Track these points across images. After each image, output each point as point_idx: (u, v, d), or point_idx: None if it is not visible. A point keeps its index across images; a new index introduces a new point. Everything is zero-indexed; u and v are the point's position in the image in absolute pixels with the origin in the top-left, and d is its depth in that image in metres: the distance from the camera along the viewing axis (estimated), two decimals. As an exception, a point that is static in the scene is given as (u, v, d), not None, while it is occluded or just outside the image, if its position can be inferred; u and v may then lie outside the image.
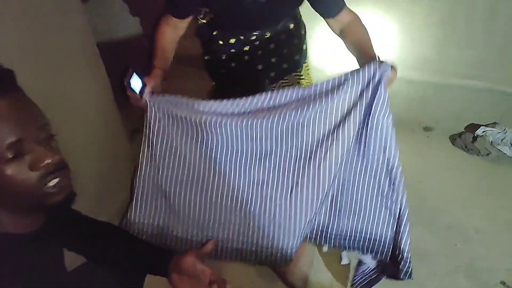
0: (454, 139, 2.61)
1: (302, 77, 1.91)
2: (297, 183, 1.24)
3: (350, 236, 1.35)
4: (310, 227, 1.31)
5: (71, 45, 1.33)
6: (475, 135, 2.50)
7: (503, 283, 1.74)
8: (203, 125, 1.23)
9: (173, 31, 1.49)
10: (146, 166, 1.34)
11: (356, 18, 1.50)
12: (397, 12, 2.45)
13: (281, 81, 1.88)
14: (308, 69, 1.95)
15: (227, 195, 1.28)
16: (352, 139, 1.23)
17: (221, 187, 1.29)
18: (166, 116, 1.28)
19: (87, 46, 1.42)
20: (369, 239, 1.35)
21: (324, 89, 1.21)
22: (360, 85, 1.21)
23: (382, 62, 1.26)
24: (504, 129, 2.47)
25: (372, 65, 1.21)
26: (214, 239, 1.23)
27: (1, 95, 0.70)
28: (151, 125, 1.29)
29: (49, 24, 1.21)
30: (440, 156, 2.53)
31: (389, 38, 2.57)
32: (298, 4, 1.54)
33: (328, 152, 1.21)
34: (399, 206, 1.31)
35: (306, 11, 1.55)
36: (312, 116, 1.21)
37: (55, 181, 0.75)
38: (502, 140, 2.44)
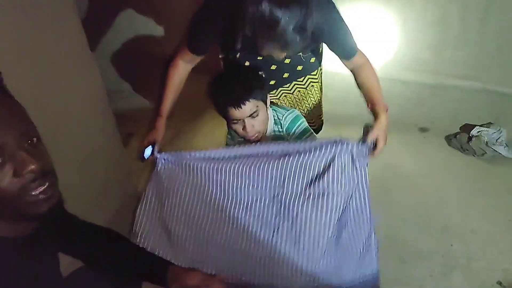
0: (449, 139, 2.62)
1: (316, 80, 1.93)
2: (278, 228, 1.40)
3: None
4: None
5: (64, 48, 1.32)
6: (470, 135, 2.51)
7: (499, 283, 1.74)
8: (201, 171, 1.46)
9: (186, 67, 1.65)
10: (150, 201, 1.52)
11: (367, 61, 1.66)
12: (392, 14, 2.46)
13: (295, 82, 1.90)
14: (321, 74, 1.96)
15: (218, 235, 1.44)
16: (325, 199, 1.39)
17: (212, 228, 1.45)
18: (172, 164, 1.51)
19: (81, 49, 1.41)
20: None
21: (303, 148, 1.41)
22: (332, 153, 1.44)
23: (363, 141, 1.48)
24: (499, 129, 2.47)
25: (345, 144, 1.46)
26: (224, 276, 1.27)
27: None
28: (159, 169, 1.50)
29: (42, 28, 1.21)
30: (436, 157, 2.53)
31: (384, 39, 2.57)
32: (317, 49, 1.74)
33: (305, 204, 1.39)
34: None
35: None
36: (293, 170, 1.40)
37: (40, 189, 0.72)
38: (497, 140, 2.45)
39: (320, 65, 1.91)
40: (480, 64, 2.48)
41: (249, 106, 1.48)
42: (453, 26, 2.40)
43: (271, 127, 1.68)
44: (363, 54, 1.66)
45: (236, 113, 1.49)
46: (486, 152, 2.43)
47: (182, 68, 1.65)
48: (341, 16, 1.58)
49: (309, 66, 1.85)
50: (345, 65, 1.70)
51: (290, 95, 1.93)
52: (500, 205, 2.13)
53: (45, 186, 0.74)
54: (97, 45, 3.10)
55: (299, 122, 1.67)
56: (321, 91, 2.01)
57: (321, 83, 1.98)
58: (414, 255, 1.87)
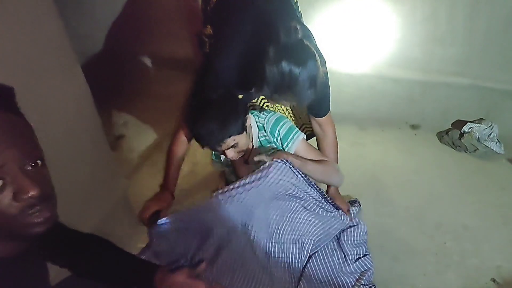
0: (441, 136, 2.61)
1: None
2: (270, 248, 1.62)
3: None
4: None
5: (46, 50, 1.29)
6: (462, 131, 2.50)
7: (493, 280, 1.73)
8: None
9: (185, 144, 1.72)
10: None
11: (333, 130, 1.87)
12: (381, 12, 2.45)
13: None
14: None
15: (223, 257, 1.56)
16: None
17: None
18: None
19: (63, 51, 1.38)
20: None
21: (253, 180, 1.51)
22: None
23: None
24: (491, 125, 2.47)
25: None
26: (206, 262, 1.36)
27: None
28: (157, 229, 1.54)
29: (22, 29, 1.18)
30: (428, 154, 2.52)
31: (373, 38, 2.56)
32: None
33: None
34: None
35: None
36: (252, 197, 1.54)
37: (38, 213, 0.71)
38: (488, 136, 2.45)
39: None
40: (469, 60, 2.48)
41: (226, 144, 1.48)
42: (441, 24, 2.40)
43: (256, 134, 1.66)
44: (331, 121, 1.83)
45: (215, 149, 1.53)
46: (478, 148, 2.43)
47: (184, 143, 1.72)
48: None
49: None
50: (313, 122, 1.84)
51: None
52: (492, 201, 2.12)
53: (44, 210, 0.72)
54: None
55: (281, 123, 1.65)
56: None
57: None
58: (407, 253, 1.86)
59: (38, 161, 0.72)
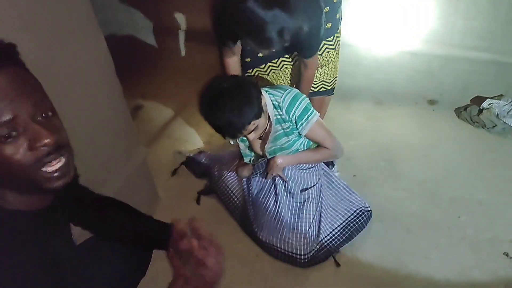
0: (459, 112, 2.59)
1: (332, 47, 1.94)
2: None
3: None
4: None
5: (69, 16, 1.31)
6: (481, 107, 2.48)
7: (506, 254, 1.74)
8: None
9: (234, 57, 1.84)
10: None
11: (313, 71, 1.91)
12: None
13: None
14: (339, 41, 1.96)
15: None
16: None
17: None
18: None
19: (86, 18, 1.39)
20: None
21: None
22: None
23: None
24: (510, 101, 2.44)
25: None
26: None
27: None
28: None
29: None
30: (445, 129, 2.51)
31: (393, 8, 2.51)
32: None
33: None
34: None
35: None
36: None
37: (56, 165, 0.71)
38: (508, 112, 2.41)
39: (338, 31, 1.92)
40: (492, 35, 2.43)
41: (248, 130, 1.52)
42: (465, -5, 2.35)
43: (271, 114, 1.67)
44: (316, 58, 1.86)
45: (236, 137, 1.61)
46: (496, 125, 2.41)
47: (232, 62, 1.85)
48: (323, 22, 1.67)
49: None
50: (300, 60, 1.89)
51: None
52: (508, 177, 2.11)
53: (61, 162, 0.72)
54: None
55: (298, 102, 1.65)
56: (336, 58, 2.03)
57: (338, 53, 2.01)
58: (420, 226, 1.88)
59: (49, 112, 0.72)
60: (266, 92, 1.67)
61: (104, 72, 1.56)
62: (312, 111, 1.67)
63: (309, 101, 1.69)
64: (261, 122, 1.54)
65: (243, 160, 1.96)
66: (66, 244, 0.94)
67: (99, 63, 1.52)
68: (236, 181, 2.03)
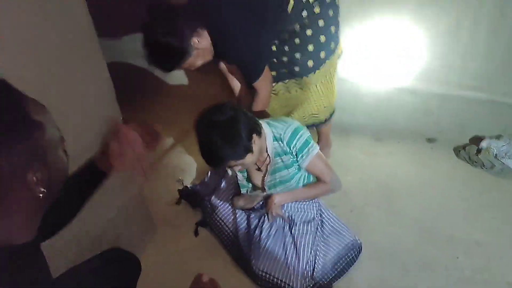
0: (458, 151, 2.59)
1: (299, 86, 2.02)
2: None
3: None
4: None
5: (72, 43, 1.33)
6: (479, 147, 2.48)
7: (504, 296, 1.71)
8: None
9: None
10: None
11: (265, 92, 1.98)
12: (402, 22, 2.45)
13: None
14: (325, 75, 2.02)
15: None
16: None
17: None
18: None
19: (90, 46, 1.42)
20: None
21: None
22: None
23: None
24: (509, 142, 2.44)
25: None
26: None
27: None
28: None
29: (51, 22, 1.21)
30: (443, 168, 2.50)
31: (393, 47, 2.56)
32: None
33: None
34: None
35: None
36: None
37: None
38: (506, 153, 2.42)
39: (314, 72, 1.98)
40: (489, 75, 2.46)
41: (227, 165, 1.56)
42: (463, 37, 2.39)
43: (271, 146, 1.68)
44: (265, 81, 1.91)
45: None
46: (495, 165, 2.41)
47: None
48: (259, 51, 1.78)
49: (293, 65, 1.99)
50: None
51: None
52: (507, 218, 2.09)
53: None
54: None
55: (298, 135, 1.66)
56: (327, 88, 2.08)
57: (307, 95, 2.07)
58: (417, 265, 1.85)
59: None
60: (268, 124, 1.69)
61: (105, 99, 1.57)
62: (313, 144, 1.69)
63: (309, 134, 1.71)
64: (246, 160, 1.53)
65: (240, 191, 1.94)
66: (45, 277, 0.92)
67: (101, 91, 1.54)
68: (230, 213, 2.01)
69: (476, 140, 2.57)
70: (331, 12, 1.89)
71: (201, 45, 1.73)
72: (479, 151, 2.48)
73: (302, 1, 1.80)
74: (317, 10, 1.84)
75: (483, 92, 2.49)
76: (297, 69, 1.98)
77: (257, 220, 1.90)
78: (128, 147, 1.05)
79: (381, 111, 2.80)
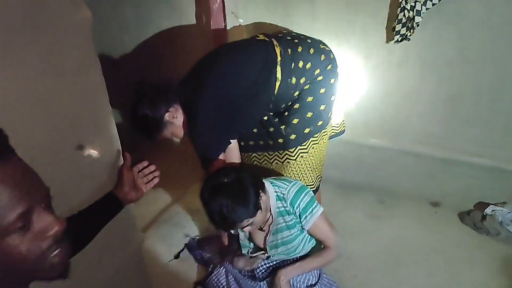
0: (463, 217, 2.56)
1: (274, 160, 2.01)
2: None
3: None
4: None
5: (84, 103, 1.35)
6: (484, 213, 2.45)
7: None
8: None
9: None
10: None
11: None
12: (405, 88, 2.51)
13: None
14: (303, 151, 1.98)
15: None
16: None
17: None
18: None
19: (101, 104, 1.44)
20: None
21: None
22: None
23: None
24: (514, 209, 2.42)
25: None
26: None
27: (3, 160, 0.63)
28: None
29: (64, 80, 1.24)
30: (448, 233, 2.45)
31: (397, 111, 2.60)
32: None
33: None
34: None
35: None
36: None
37: (58, 251, 0.69)
38: (511, 220, 2.38)
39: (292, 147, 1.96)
40: (492, 142, 2.47)
41: (240, 226, 1.53)
42: (466, 103, 2.43)
43: (274, 205, 1.66)
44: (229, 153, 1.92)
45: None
46: (500, 232, 2.36)
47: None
48: (201, 123, 1.82)
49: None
50: None
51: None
52: (515, 289, 2.03)
53: (63, 247, 0.71)
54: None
55: (302, 195, 1.66)
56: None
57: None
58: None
59: (50, 200, 0.71)
60: (271, 183, 1.68)
61: (108, 151, 1.58)
62: (317, 205, 1.67)
63: (313, 194, 1.69)
64: (256, 219, 1.52)
65: (240, 251, 1.90)
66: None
67: (106, 143, 1.55)
68: (223, 275, 1.95)
69: (481, 206, 2.54)
70: (322, 90, 1.91)
71: (175, 120, 1.87)
72: (484, 217, 2.45)
73: (288, 80, 1.86)
74: (306, 87, 1.89)
75: (487, 158, 2.49)
76: (280, 141, 1.95)
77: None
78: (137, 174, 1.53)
79: (384, 173, 2.80)
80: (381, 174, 2.81)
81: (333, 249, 1.71)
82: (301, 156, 1.94)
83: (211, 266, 2.05)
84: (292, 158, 1.93)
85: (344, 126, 2.23)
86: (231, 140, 1.89)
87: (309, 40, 1.93)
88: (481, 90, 2.35)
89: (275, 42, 1.86)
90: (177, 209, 2.68)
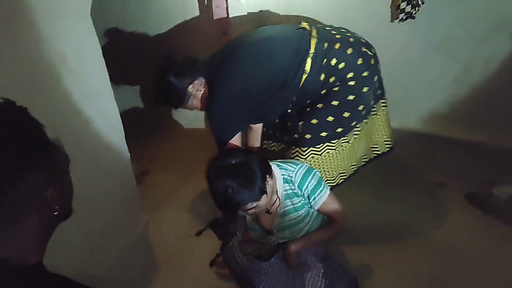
0: (469, 198, 2.51)
1: (295, 156, 1.96)
2: None
3: None
4: None
5: (85, 83, 1.35)
6: (491, 194, 2.41)
7: None
8: None
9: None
10: None
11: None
12: (412, 68, 2.47)
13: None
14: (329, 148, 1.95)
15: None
16: None
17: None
18: None
19: (102, 83, 1.44)
20: None
21: None
22: None
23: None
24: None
25: None
26: None
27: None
28: None
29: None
30: (454, 215, 2.43)
31: (403, 92, 2.57)
32: None
33: None
34: None
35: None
36: None
37: None
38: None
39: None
40: (500, 122, 2.45)
41: (244, 209, 1.51)
42: (473, 83, 2.39)
43: (281, 188, 1.65)
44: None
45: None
46: (506, 212, 2.33)
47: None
48: (215, 109, 1.84)
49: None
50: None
51: None
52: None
53: None
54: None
55: (310, 177, 1.64)
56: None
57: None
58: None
59: None
60: (278, 166, 1.67)
61: (113, 137, 1.58)
62: (325, 185, 1.67)
63: (320, 175, 1.68)
64: (261, 202, 1.50)
65: (248, 233, 1.89)
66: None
67: (110, 128, 1.55)
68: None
69: (488, 186, 2.51)
70: (351, 96, 1.85)
71: (198, 93, 1.89)
72: (490, 198, 2.42)
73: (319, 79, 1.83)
74: (335, 88, 1.84)
75: (494, 138, 2.46)
76: (296, 136, 1.93)
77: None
78: None
79: (391, 154, 2.78)
80: (388, 155, 2.79)
81: (341, 222, 1.72)
82: (312, 157, 1.92)
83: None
84: (302, 156, 1.91)
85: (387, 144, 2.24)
86: (253, 124, 1.96)
87: (351, 39, 1.86)
88: (489, 69, 2.31)
89: (313, 33, 1.83)
90: (183, 192, 2.69)
